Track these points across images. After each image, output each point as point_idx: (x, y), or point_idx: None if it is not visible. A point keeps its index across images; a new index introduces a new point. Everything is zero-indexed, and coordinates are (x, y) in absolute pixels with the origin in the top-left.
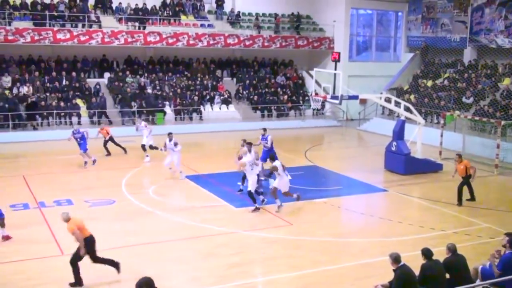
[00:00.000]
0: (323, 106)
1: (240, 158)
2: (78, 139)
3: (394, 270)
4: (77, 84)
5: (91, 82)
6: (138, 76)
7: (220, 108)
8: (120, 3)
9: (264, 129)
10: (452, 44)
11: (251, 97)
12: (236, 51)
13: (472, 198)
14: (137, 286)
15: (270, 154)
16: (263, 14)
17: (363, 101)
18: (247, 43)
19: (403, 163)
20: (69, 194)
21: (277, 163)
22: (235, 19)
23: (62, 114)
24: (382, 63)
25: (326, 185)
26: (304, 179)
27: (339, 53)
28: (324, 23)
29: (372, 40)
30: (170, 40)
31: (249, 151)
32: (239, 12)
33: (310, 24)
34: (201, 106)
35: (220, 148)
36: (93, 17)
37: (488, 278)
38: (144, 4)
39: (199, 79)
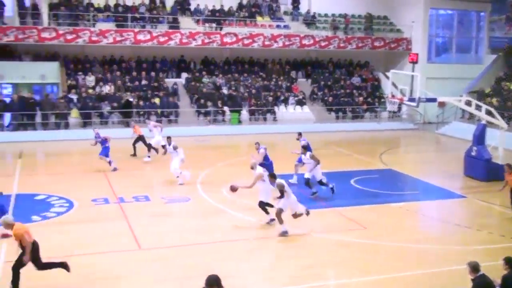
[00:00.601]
0: (399, 108)
1: (252, 167)
2: (100, 143)
3: (472, 280)
4: (155, 84)
5: (169, 82)
6: (214, 77)
7: (294, 109)
8: (198, 4)
9: (300, 134)
10: None
11: (326, 98)
12: (311, 52)
13: None
14: (206, 282)
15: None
16: (340, 15)
17: (442, 104)
18: (323, 44)
19: (483, 169)
20: (147, 190)
21: (259, 169)
22: (310, 20)
23: (141, 112)
24: (462, 65)
25: (402, 190)
26: (379, 182)
27: (417, 55)
28: (401, 23)
29: (452, 41)
30: (246, 41)
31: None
32: (314, 13)
33: (387, 24)
34: (275, 107)
35: (294, 149)
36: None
37: None
38: (221, 5)
39: (274, 80)
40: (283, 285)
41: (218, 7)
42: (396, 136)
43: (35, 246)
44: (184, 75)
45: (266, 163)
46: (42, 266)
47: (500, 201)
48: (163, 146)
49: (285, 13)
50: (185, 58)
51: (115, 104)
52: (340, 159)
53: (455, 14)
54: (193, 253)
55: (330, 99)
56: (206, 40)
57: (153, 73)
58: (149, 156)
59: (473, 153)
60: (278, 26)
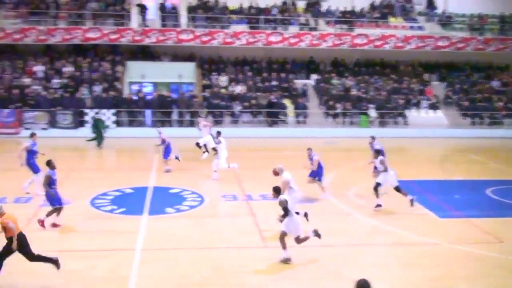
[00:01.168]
0: None
1: (276, 173)
2: (162, 145)
3: None
4: (285, 85)
5: (299, 83)
6: (343, 78)
7: (426, 113)
8: (329, 6)
9: (373, 137)
10: None
11: (461, 102)
12: (445, 54)
13: None
14: (356, 286)
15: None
16: (479, 15)
17: None
18: (459, 45)
19: None
20: None
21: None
22: (446, 21)
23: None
24: None
25: None
26: None
27: None
28: None
29: None
30: (377, 43)
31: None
32: (450, 13)
33: None
34: (406, 110)
35: (425, 154)
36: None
37: None
38: (353, 6)
39: (405, 82)
40: None
41: (349, 8)
42: None
43: (21, 237)
44: (314, 76)
45: (319, 171)
46: (34, 258)
47: None
48: (214, 149)
49: (419, 13)
50: (315, 59)
51: (246, 104)
52: (474, 167)
53: None
54: (317, 255)
55: (466, 103)
56: (337, 42)
57: (283, 74)
58: (204, 152)
59: None
60: (411, 27)
